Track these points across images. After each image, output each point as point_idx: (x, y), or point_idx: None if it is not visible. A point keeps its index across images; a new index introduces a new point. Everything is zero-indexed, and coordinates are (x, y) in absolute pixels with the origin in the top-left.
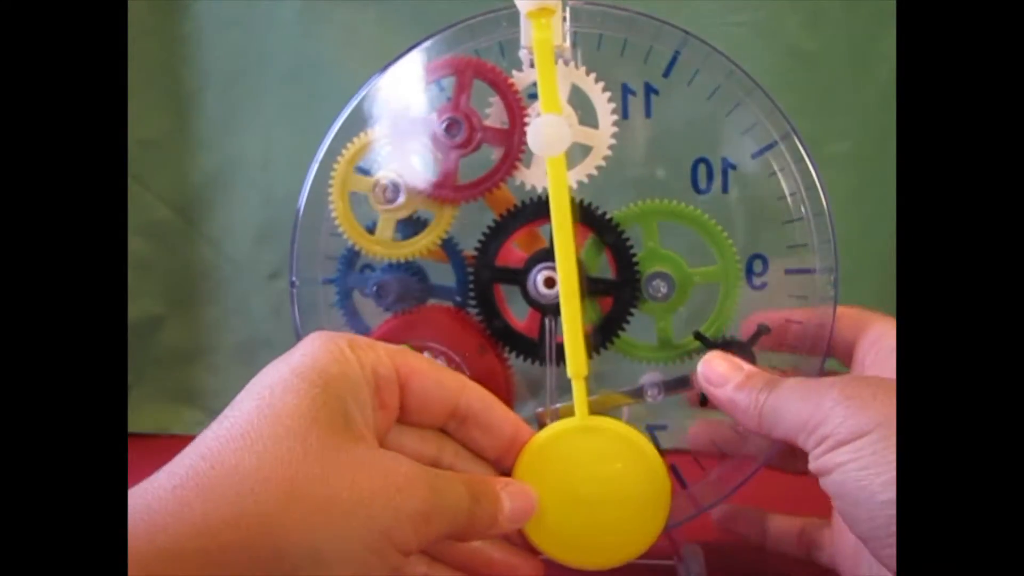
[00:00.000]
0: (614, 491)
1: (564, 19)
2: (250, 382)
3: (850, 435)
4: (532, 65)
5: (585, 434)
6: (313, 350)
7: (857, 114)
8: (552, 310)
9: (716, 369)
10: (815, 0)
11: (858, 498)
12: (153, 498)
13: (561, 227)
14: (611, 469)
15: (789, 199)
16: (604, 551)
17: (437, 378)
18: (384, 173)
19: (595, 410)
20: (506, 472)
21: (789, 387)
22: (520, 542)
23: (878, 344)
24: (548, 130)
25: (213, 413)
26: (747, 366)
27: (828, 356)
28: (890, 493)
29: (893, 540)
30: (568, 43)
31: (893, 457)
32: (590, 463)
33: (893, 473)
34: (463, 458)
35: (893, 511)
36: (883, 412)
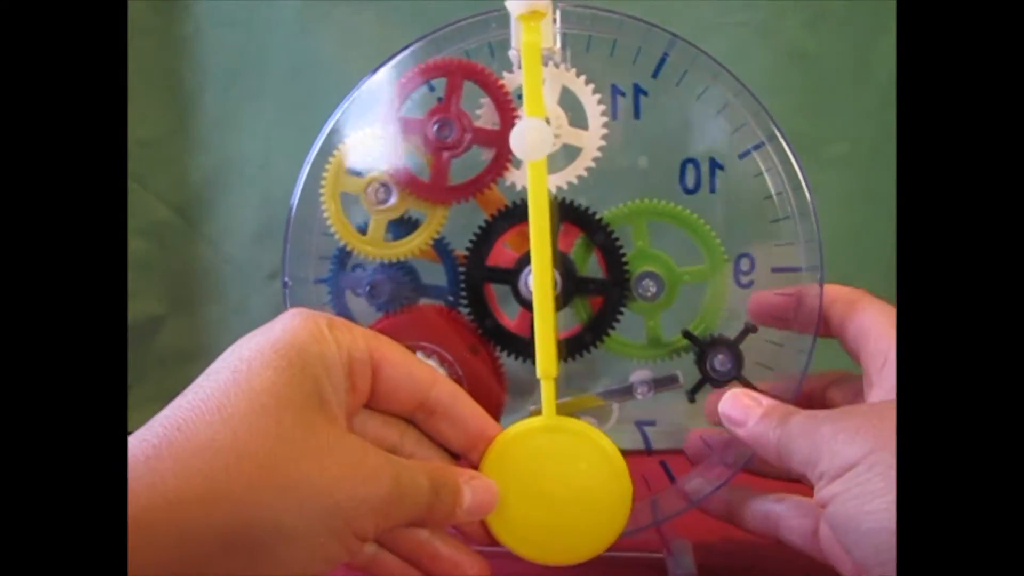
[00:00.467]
0: (576, 490)
1: (554, 21)
2: (227, 351)
3: (840, 469)
4: (521, 66)
5: (550, 433)
6: (293, 326)
7: (857, 115)
8: None
9: (735, 408)
10: (815, 0)
11: (847, 528)
12: (129, 472)
13: (538, 229)
14: (574, 469)
15: (776, 198)
16: (564, 548)
17: (409, 368)
18: (375, 174)
19: (575, 410)
20: (472, 466)
21: (795, 424)
22: (481, 536)
23: (871, 342)
24: (531, 134)
25: None
26: (765, 401)
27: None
28: (872, 523)
29: (883, 570)
30: (558, 45)
31: (879, 486)
32: (554, 462)
33: (878, 502)
34: (424, 447)
35: (879, 540)
36: (869, 443)
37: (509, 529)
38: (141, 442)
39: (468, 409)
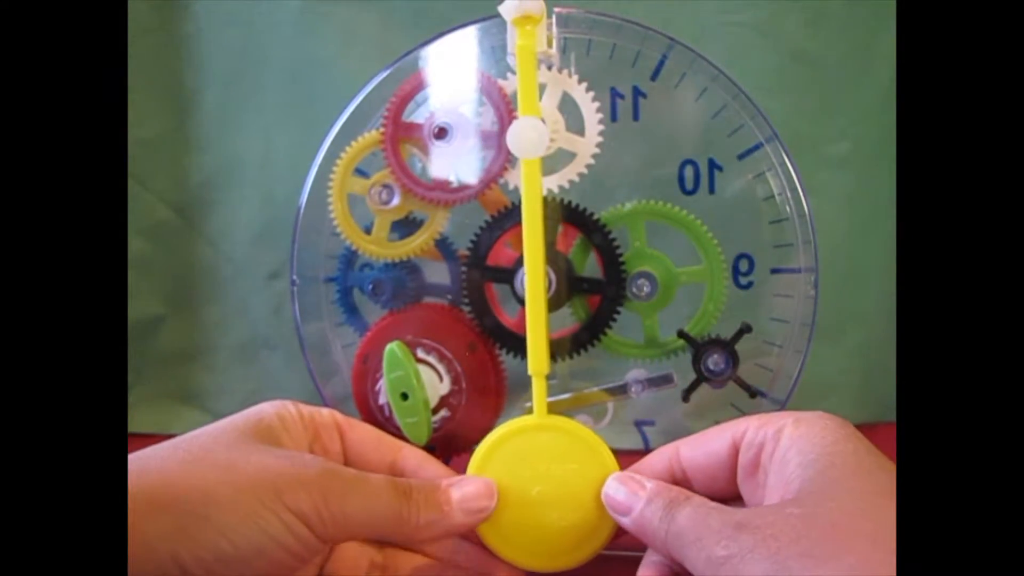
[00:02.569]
0: (567, 491)
1: (550, 26)
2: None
3: None
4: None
5: (541, 432)
6: (259, 407)
7: (857, 115)
8: None
9: (619, 493)
10: (815, 0)
11: None
12: None
13: (531, 228)
14: (565, 469)
15: (776, 199)
16: (552, 553)
17: (375, 434)
18: (380, 175)
19: (570, 408)
20: None
21: (685, 519)
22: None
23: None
24: (526, 133)
25: (213, 413)
26: (650, 485)
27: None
28: None
29: None
30: (555, 49)
31: None
32: (544, 462)
33: None
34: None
35: None
36: (764, 567)
37: (498, 534)
38: None
39: (436, 469)
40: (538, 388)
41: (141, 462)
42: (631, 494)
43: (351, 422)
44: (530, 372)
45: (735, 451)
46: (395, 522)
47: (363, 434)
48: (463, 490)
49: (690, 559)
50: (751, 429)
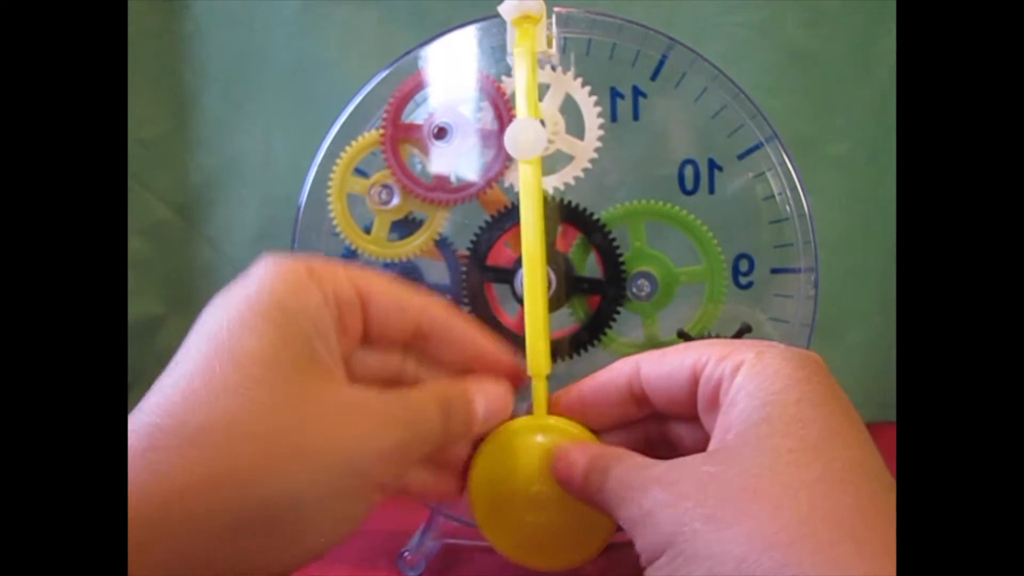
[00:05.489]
0: (564, 492)
1: (549, 26)
2: (201, 319)
3: (657, 547)
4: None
5: (540, 433)
6: (270, 281)
7: (857, 114)
8: None
9: (561, 464)
10: (815, 0)
11: None
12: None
13: (530, 228)
14: None
15: (776, 199)
16: (553, 552)
17: (398, 298)
18: (380, 175)
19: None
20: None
21: (616, 479)
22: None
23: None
24: (525, 134)
25: None
26: (591, 451)
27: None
28: None
29: None
30: (555, 49)
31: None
32: (543, 462)
33: None
34: (428, 368)
35: None
36: (687, 514)
37: (499, 531)
38: (132, 434)
39: (463, 329)
40: (538, 389)
41: (186, 451)
42: (572, 464)
43: (371, 289)
44: (530, 373)
45: (695, 381)
46: (438, 445)
47: (385, 303)
48: (487, 404)
49: (622, 519)
50: (711, 362)
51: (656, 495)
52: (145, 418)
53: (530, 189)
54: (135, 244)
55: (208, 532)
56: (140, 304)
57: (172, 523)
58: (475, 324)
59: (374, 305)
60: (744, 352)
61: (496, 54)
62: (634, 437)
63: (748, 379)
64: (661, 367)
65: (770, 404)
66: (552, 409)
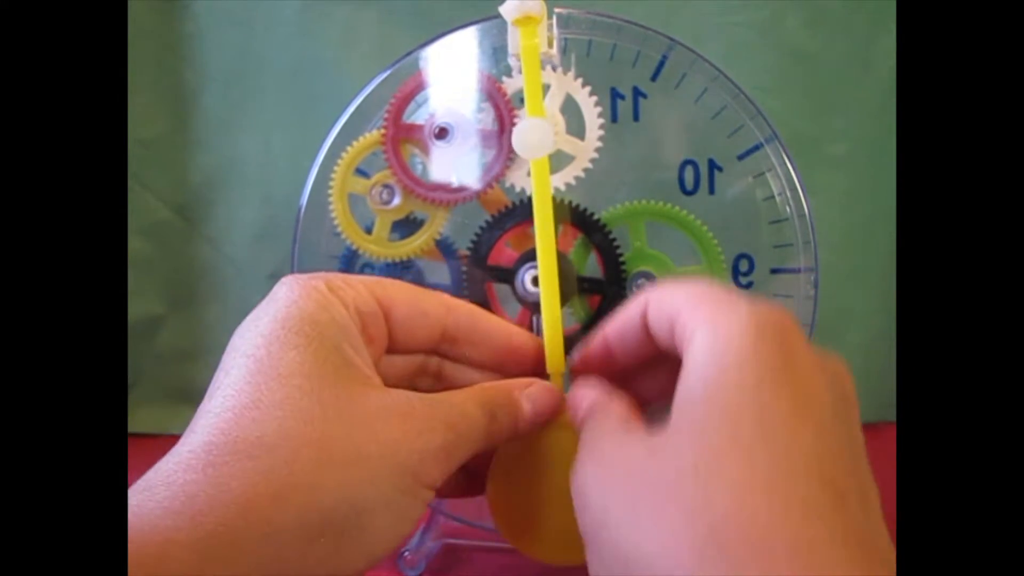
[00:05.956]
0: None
1: (550, 27)
2: (232, 343)
3: (584, 528)
4: (520, 71)
5: (559, 431)
6: (295, 298)
7: (857, 114)
8: (539, 308)
9: (573, 400)
10: (815, 0)
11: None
12: (185, 481)
13: (543, 228)
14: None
15: (776, 199)
16: (569, 547)
17: (420, 306)
18: (381, 175)
19: None
20: (509, 377)
21: (583, 439)
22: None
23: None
24: (532, 133)
25: None
26: (590, 397)
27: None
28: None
29: None
30: (555, 50)
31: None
32: (562, 459)
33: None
34: (458, 368)
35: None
36: (599, 511)
37: (516, 528)
38: (190, 453)
39: (489, 325)
40: (556, 386)
41: (246, 465)
42: (574, 411)
43: (392, 298)
44: (548, 370)
45: (655, 348)
46: (485, 442)
47: (407, 311)
48: (535, 402)
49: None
50: (684, 311)
51: (589, 469)
52: (200, 437)
53: (542, 187)
54: (135, 244)
55: (280, 543)
56: (140, 304)
57: (240, 538)
58: (500, 320)
59: (396, 314)
60: (696, 323)
61: (497, 54)
62: (663, 378)
63: (699, 351)
64: (658, 312)
65: (710, 387)
66: (580, 362)
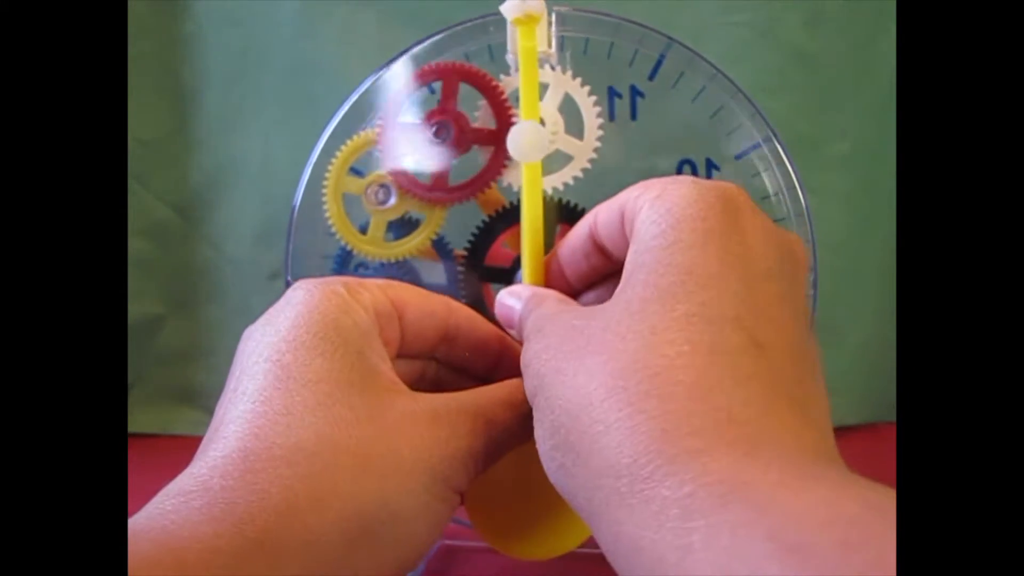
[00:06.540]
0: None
1: (549, 25)
2: (248, 346)
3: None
4: (518, 69)
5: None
6: (315, 301)
7: (857, 114)
8: None
9: (502, 309)
10: (815, 0)
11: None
12: (223, 487)
13: (531, 231)
14: None
15: (773, 199)
16: (541, 542)
17: (427, 307)
18: (376, 175)
19: None
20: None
21: (529, 324)
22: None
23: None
24: (527, 137)
25: (213, 413)
26: (527, 292)
27: None
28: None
29: None
30: (554, 49)
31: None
32: (537, 456)
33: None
34: (450, 373)
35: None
36: (536, 378)
37: (495, 527)
38: (225, 459)
39: (486, 330)
40: None
41: (283, 472)
42: (509, 308)
43: (404, 300)
44: None
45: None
46: (510, 445)
47: (418, 312)
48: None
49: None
50: (631, 199)
51: (535, 345)
52: (234, 443)
53: (532, 192)
54: (135, 244)
55: (321, 550)
56: (140, 304)
57: (286, 545)
58: (494, 326)
59: (408, 315)
60: (659, 188)
61: (495, 53)
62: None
63: (643, 221)
64: (609, 212)
65: (649, 250)
66: (544, 275)
